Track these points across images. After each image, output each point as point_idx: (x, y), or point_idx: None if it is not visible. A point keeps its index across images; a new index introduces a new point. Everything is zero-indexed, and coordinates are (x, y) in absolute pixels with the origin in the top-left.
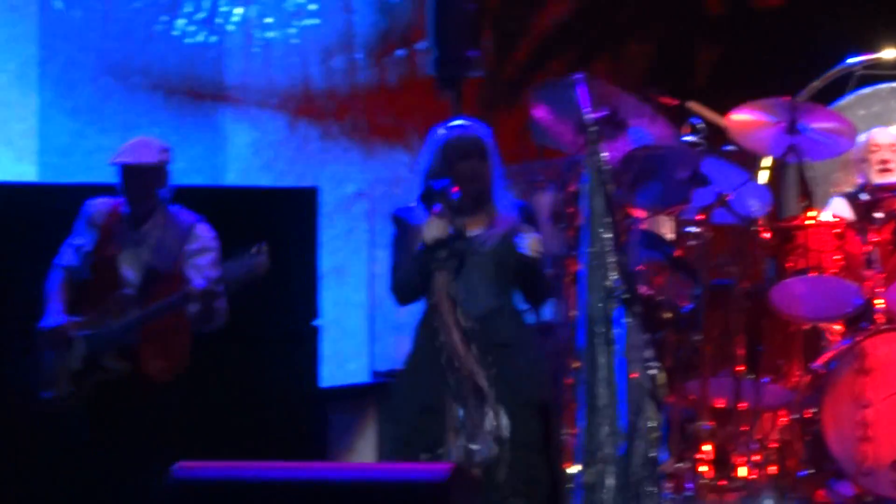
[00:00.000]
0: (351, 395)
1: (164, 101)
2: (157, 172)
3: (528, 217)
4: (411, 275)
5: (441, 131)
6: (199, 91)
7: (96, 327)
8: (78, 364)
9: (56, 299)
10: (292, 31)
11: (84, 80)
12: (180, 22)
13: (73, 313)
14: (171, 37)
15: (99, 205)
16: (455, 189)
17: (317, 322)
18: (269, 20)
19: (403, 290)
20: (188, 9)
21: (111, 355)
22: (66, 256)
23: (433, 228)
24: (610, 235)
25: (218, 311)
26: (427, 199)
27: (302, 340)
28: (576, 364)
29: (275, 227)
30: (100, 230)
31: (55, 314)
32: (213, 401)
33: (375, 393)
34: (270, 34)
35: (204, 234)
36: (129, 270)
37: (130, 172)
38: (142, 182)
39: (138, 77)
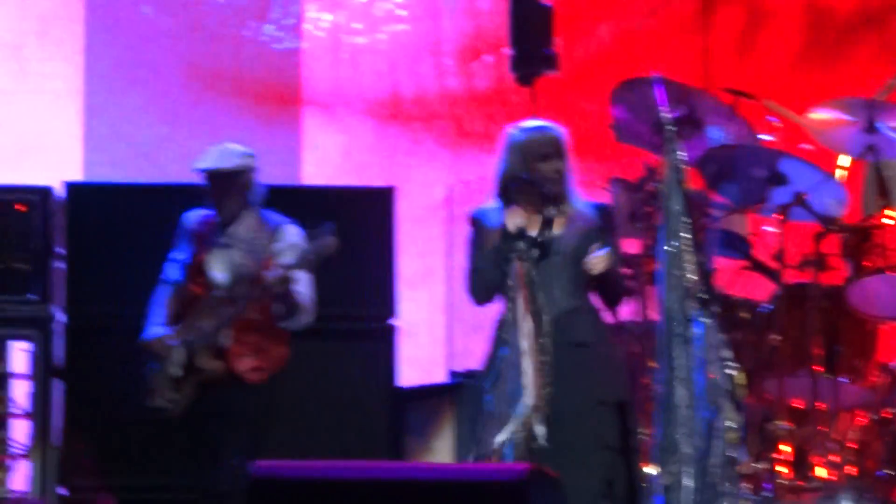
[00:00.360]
0: (428, 396)
1: (252, 106)
2: (238, 177)
3: (605, 217)
4: (489, 270)
5: (517, 131)
6: (287, 96)
7: (191, 332)
8: (179, 371)
9: (158, 312)
10: (381, 36)
11: (172, 85)
12: (268, 28)
13: (175, 324)
14: (260, 42)
15: (193, 216)
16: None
17: (394, 321)
18: (357, 26)
19: (481, 288)
20: (276, 15)
21: (205, 356)
22: (171, 271)
23: (515, 218)
24: (687, 235)
25: (300, 305)
26: (509, 191)
27: (378, 339)
28: (653, 364)
29: (352, 226)
30: (194, 239)
31: (155, 326)
32: (290, 398)
33: (453, 393)
34: (359, 39)
35: (291, 234)
36: (219, 273)
37: (212, 177)
38: (224, 186)
39: (226, 82)
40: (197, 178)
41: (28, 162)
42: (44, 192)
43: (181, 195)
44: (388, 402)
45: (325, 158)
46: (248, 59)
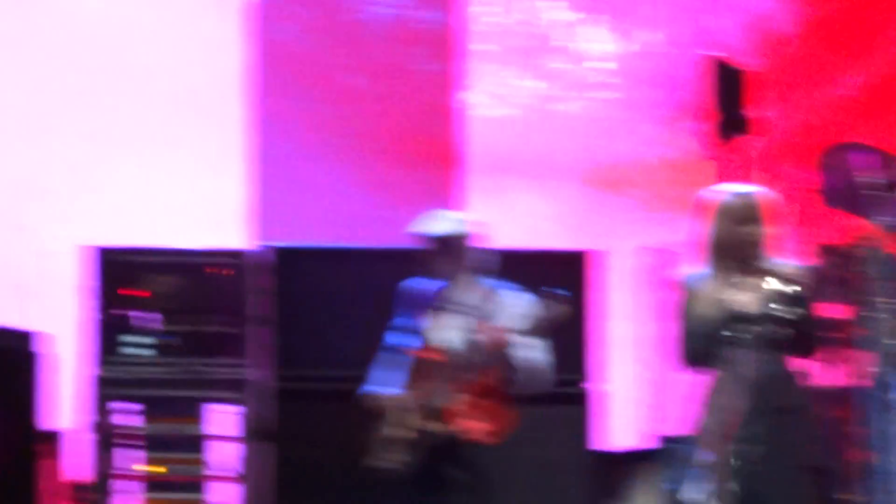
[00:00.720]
0: (634, 460)
1: (456, 172)
2: (457, 242)
3: (808, 281)
4: (699, 338)
5: (724, 195)
6: (491, 163)
7: (420, 395)
8: (411, 434)
9: (384, 377)
10: (585, 103)
11: (375, 153)
12: (473, 96)
13: (407, 387)
14: (465, 110)
15: (413, 283)
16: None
17: (590, 386)
18: (562, 93)
19: (690, 355)
20: (481, 83)
21: (434, 420)
22: (394, 337)
23: (738, 301)
24: (889, 299)
25: (529, 369)
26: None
27: (575, 404)
28: (855, 429)
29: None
30: (416, 304)
31: (386, 387)
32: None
33: (658, 457)
34: (564, 106)
35: (511, 298)
36: (442, 337)
37: (431, 242)
38: (443, 251)
39: (429, 150)
40: (404, 243)
41: (208, 225)
42: (240, 255)
43: (388, 259)
44: (587, 466)
45: (529, 224)
46: (452, 126)
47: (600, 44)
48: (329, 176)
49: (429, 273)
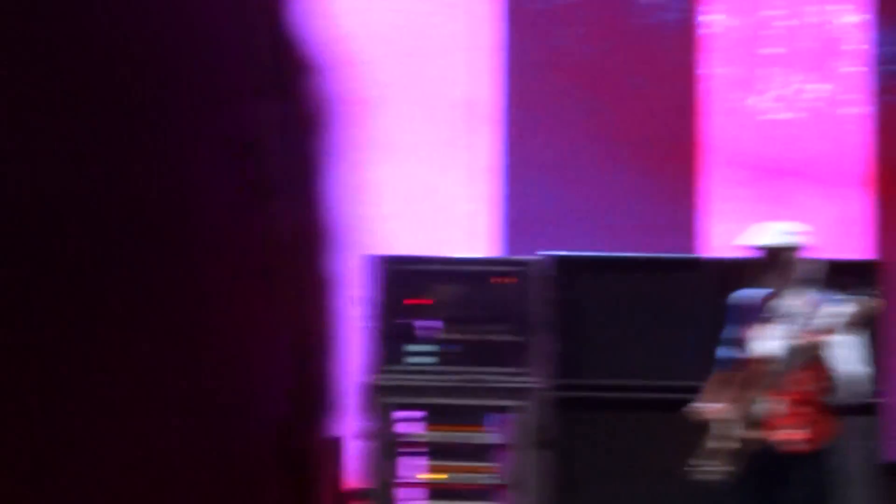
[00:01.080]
0: None
1: (741, 177)
2: (786, 254)
3: None
4: None
5: None
6: (775, 168)
7: (744, 405)
8: (735, 445)
9: (712, 390)
10: (873, 107)
11: (656, 158)
12: (757, 99)
13: (731, 398)
14: (749, 114)
15: (741, 295)
16: None
17: (878, 399)
18: (850, 96)
19: None
20: (766, 87)
21: (756, 429)
22: (724, 350)
23: None
24: None
25: (845, 377)
26: None
27: (862, 416)
28: None
29: None
30: (742, 315)
31: (707, 400)
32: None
33: None
34: (850, 110)
35: (834, 307)
36: (768, 348)
37: (761, 253)
38: (772, 263)
39: (713, 154)
40: (675, 252)
41: (467, 234)
42: (523, 264)
43: (661, 268)
44: (879, 478)
45: (817, 230)
46: (735, 130)
47: (889, 46)
48: (587, 184)
49: (757, 284)
